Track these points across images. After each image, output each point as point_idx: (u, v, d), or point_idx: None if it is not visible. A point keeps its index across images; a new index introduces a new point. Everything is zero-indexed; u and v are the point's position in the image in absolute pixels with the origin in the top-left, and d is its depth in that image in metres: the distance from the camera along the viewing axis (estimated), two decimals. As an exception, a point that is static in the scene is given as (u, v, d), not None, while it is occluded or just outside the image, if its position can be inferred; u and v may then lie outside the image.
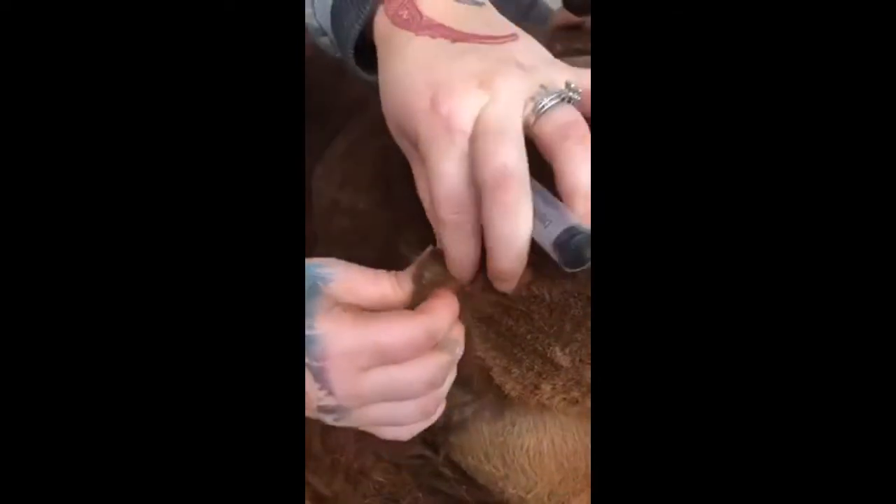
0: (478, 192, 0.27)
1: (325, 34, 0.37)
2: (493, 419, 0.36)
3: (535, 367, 0.30)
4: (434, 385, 0.30)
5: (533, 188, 0.28)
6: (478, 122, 0.27)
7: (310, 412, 0.29)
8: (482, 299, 0.31)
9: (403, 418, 0.31)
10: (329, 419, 0.30)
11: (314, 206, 0.45)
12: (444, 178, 0.27)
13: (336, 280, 0.29)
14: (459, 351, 0.30)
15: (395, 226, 0.34)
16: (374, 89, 0.33)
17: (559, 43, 0.42)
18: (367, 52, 0.34)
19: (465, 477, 0.41)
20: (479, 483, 0.40)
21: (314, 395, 0.28)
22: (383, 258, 0.37)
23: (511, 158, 0.26)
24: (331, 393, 0.28)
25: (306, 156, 0.42)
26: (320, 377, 0.28)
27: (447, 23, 0.30)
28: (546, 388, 0.31)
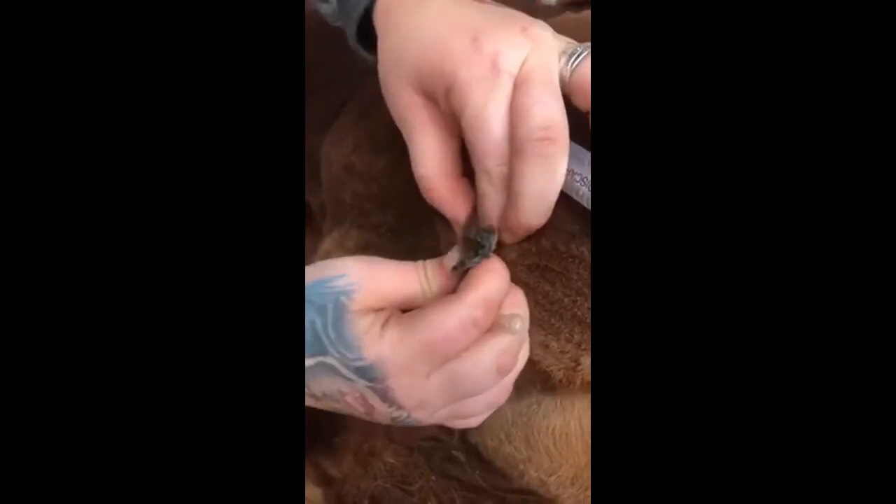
0: (515, 143, 0.26)
1: (326, 0, 0.36)
2: (517, 398, 0.34)
3: (575, 337, 0.28)
4: (502, 372, 0.28)
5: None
6: (524, 68, 0.26)
7: (384, 422, 0.29)
8: (518, 264, 0.29)
9: (470, 413, 0.30)
10: (401, 424, 0.29)
11: (323, 175, 0.43)
12: (491, 124, 0.26)
13: (360, 290, 0.27)
14: (520, 325, 0.28)
15: (415, 185, 0.32)
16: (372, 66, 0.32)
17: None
18: (366, 30, 0.33)
19: (479, 461, 0.39)
20: (495, 467, 0.38)
21: (385, 411, 0.28)
22: (404, 223, 0.35)
23: (557, 112, 0.26)
24: (400, 407, 0.28)
25: (312, 129, 0.40)
26: (387, 397, 0.27)
27: None
28: (586, 362, 0.29)
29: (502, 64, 0.26)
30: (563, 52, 0.27)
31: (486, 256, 0.28)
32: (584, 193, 0.27)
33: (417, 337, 0.26)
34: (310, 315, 0.27)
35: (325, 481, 0.41)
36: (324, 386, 0.28)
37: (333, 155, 0.41)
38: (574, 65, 0.26)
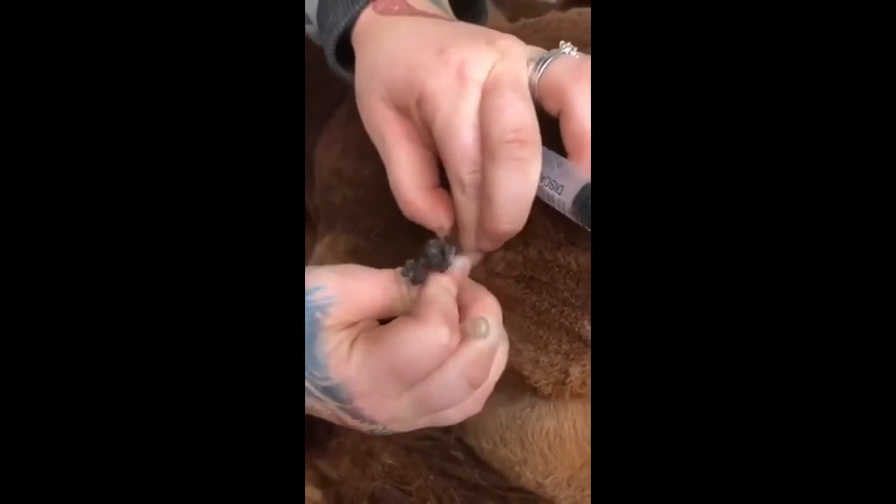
0: (487, 147, 0.26)
1: (310, 22, 0.36)
2: (510, 401, 0.34)
3: (563, 347, 0.28)
4: (474, 384, 0.27)
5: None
6: (491, 75, 0.26)
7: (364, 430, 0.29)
8: (506, 276, 0.29)
9: (446, 422, 0.29)
10: (380, 434, 0.29)
11: (316, 178, 0.43)
12: (460, 131, 0.26)
13: (335, 304, 0.27)
14: (486, 328, 0.26)
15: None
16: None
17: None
18: (345, 49, 0.33)
19: (478, 460, 0.39)
20: (493, 467, 0.38)
21: (359, 425, 0.28)
22: (393, 228, 0.34)
23: (528, 114, 0.26)
24: (373, 422, 0.28)
25: (309, 129, 0.40)
26: (357, 415, 0.27)
27: (440, 14, 0.32)
28: (575, 372, 0.28)
29: (468, 73, 0.26)
30: (532, 59, 0.27)
31: (427, 266, 0.27)
32: (556, 199, 0.26)
33: (383, 362, 0.26)
34: None
35: (324, 483, 0.41)
36: None
37: (323, 159, 0.40)
38: (543, 69, 0.26)
